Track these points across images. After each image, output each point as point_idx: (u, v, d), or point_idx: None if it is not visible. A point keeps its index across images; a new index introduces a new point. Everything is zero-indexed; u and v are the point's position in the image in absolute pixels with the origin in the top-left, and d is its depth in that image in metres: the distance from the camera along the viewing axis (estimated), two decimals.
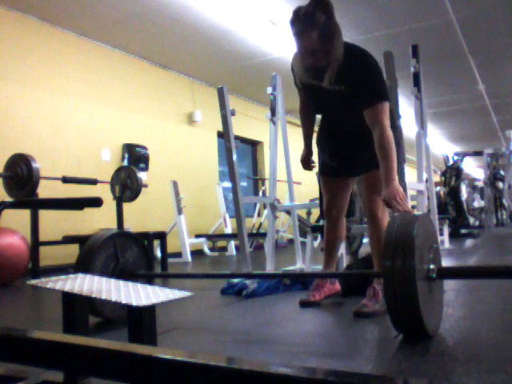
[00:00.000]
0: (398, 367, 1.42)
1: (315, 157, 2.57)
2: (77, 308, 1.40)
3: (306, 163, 2.56)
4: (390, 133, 2.05)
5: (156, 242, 4.85)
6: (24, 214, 4.25)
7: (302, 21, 1.95)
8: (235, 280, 3.02)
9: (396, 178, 2.01)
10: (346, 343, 1.69)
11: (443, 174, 8.84)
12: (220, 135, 7.54)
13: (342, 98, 2.13)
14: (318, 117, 2.48)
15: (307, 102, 2.42)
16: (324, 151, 2.45)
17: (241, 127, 7.77)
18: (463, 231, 8.00)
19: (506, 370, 1.32)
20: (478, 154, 10.14)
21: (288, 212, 5.96)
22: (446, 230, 6.04)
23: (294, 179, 4.28)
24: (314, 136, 2.52)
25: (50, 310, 2.74)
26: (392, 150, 2.02)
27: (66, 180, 4.09)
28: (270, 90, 3.81)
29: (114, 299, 1.28)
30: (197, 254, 6.56)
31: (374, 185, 2.24)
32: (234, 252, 6.76)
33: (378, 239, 2.23)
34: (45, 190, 4.05)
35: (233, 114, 3.42)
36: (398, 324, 1.61)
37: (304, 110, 2.49)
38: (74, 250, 4.17)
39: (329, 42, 1.98)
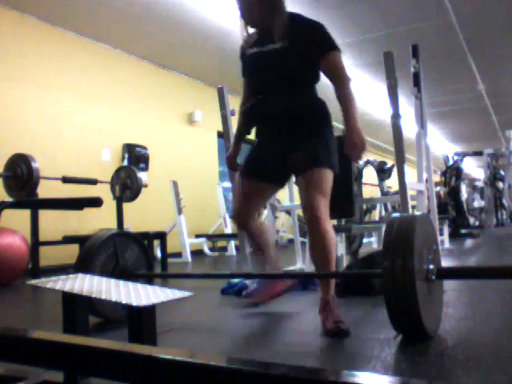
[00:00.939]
0: (398, 367, 1.42)
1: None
2: (77, 308, 1.40)
3: (232, 163, 2.37)
4: (350, 83, 2.00)
5: (156, 242, 4.85)
6: (24, 214, 4.24)
7: None
8: (235, 280, 3.02)
9: (357, 121, 1.94)
10: (345, 343, 1.69)
11: (443, 173, 8.83)
12: (220, 135, 7.54)
13: (288, 59, 2.01)
14: None
15: (250, 90, 2.23)
16: (257, 147, 2.23)
17: None
18: (463, 231, 8.00)
19: (506, 369, 1.32)
20: (477, 154, 10.14)
21: (288, 212, 5.96)
22: (446, 230, 6.05)
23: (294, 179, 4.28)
24: None
25: (50, 310, 2.74)
26: (355, 99, 1.98)
27: (65, 180, 4.09)
28: None
29: (114, 299, 1.28)
30: (197, 254, 6.55)
31: (316, 182, 1.99)
32: (233, 252, 6.76)
33: (322, 248, 1.94)
34: (45, 190, 4.05)
35: (233, 113, 3.42)
36: (397, 324, 1.61)
37: (246, 102, 2.28)
38: (74, 250, 4.17)
39: None
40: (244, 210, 2.23)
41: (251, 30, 2.17)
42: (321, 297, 1.98)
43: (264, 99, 2.11)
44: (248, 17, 2.08)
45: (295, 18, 2.07)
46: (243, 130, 2.32)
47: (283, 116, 2.07)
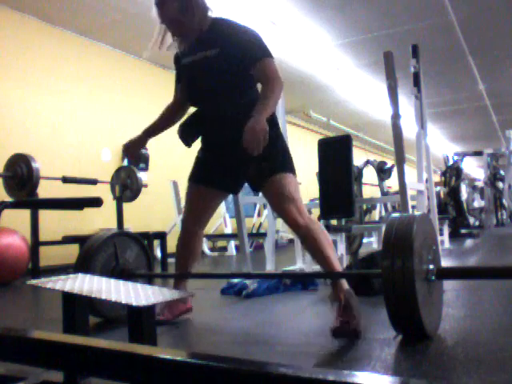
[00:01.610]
0: (398, 367, 1.42)
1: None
2: (77, 308, 1.40)
3: (131, 151, 2.27)
4: (281, 83, 1.89)
5: (156, 242, 4.84)
6: (24, 214, 4.24)
7: None
8: (235, 280, 3.02)
9: (266, 116, 1.80)
10: (346, 343, 1.69)
11: (443, 173, 8.83)
12: None
13: (223, 65, 1.94)
14: None
15: (181, 98, 2.23)
16: (208, 158, 2.16)
17: None
18: (463, 231, 7.99)
19: (506, 370, 1.32)
20: (478, 154, 10.14)
21: None
22: (446, 230, 6.04)
23: None
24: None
25: (50, 310, 2.74)
26: (276, 101, 1.89)
27: (65, 180, 4.09)
28: None
29: (113, 299, 1.28)
30: None
31: (283, 189, 1.93)
32: (233, 252, 6.76)
33: (314, 247, 1.91)
34: (45, 190, 4.05)
35: None
36: (397, 324, 1.61)
37: (172, 107, 2.29)
38: (73, 250, 4.17)
39: (192, 5, 1.96)
40: (192, 216, 2.17)
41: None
42: (333, 294, 1.94)
43: (206, 109, 2.06)
44: (173, 28, 2.02)
45: (225, 23, 2.03)
46: (160, 126, 2.33)
47: (230, 126, 1.99)
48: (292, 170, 2.00)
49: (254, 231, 7.47)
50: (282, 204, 1.93)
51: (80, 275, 1.64)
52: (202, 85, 2.04)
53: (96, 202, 2.99)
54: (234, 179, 2.16)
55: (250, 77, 1.99)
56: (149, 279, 2.43)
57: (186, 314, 2.24)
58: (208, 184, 2.13)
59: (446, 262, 3.82)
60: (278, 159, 1.99)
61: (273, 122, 2.04)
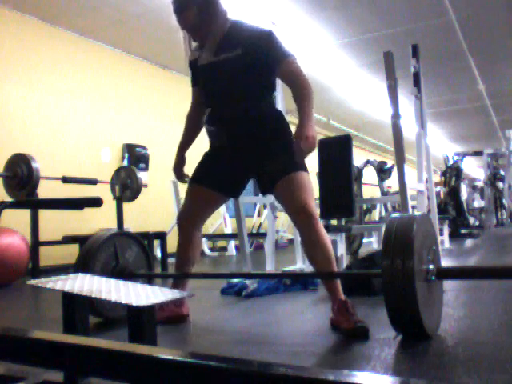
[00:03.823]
0: (397, 367, 1.42)
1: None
2: (77, 308, 1.40)
3: (179, 173, 2.34)
4: (309, 82, 1.94)
5: (156, 242, 4.84)
6: (24, 214, 4.24)
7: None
8: (235, 280, 3.02)
9: (312, 120, 1.91)
10: (346, 343, 1.69)
11: (443, 173, 8.84)
12: None
13: (242, 67, 1.98)
14: None
15: (200, 101, 2.21)
16: (218, 159, 2.18)
17: None
18: (463, 231, 8.00)
19: (506, 369, 1.32)
20: (478, 154, 10.15)
21: None
22: (446, 230, 6.04)
23: None
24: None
25: (50, 310, 2.74)
26: (313, 97, 1.94)
27: (65, 180, 4.09)
28: None
29: (113, 299, 1.28)
30: None
31: (301, 185, 1.95)
32: (234, 252, 6.76)
33: (323, 248, 1.90)
34: (45, 190, 4.05)
35: None
36: (397, 325, 1.61)
37: (193, 113, 2.27)
38: (74, 250, 4.17)
39: (210, 10, 1.99)
40: (189, 215, 2.18)
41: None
42: (334, 298, 1.92)
43: (225, 110, 2.07)
44: (193, 34, 2.06)
45: (243, 26, 2.05)
46: (188, 140, 2.33)
47: (249, 126, 2.04)
48: (306, 169, 2.02)
49: (254, 231, 7.47)
50: (303, 194, 1.92)
51: (80, 275, 1.64)
52: (223, 85, 2.06)
53: (96, 202, 3.00)
54: (239, 182, 2.17)
55: (271, 78, 2.05)
56: (149, 279, 2.43)
57: (179, 320, 2.16)
58: (211, 186, 2.14)
59: (445, 262, 3.82)
60: (294, 158, 1.99)
61: (289, 126, 2.10)
